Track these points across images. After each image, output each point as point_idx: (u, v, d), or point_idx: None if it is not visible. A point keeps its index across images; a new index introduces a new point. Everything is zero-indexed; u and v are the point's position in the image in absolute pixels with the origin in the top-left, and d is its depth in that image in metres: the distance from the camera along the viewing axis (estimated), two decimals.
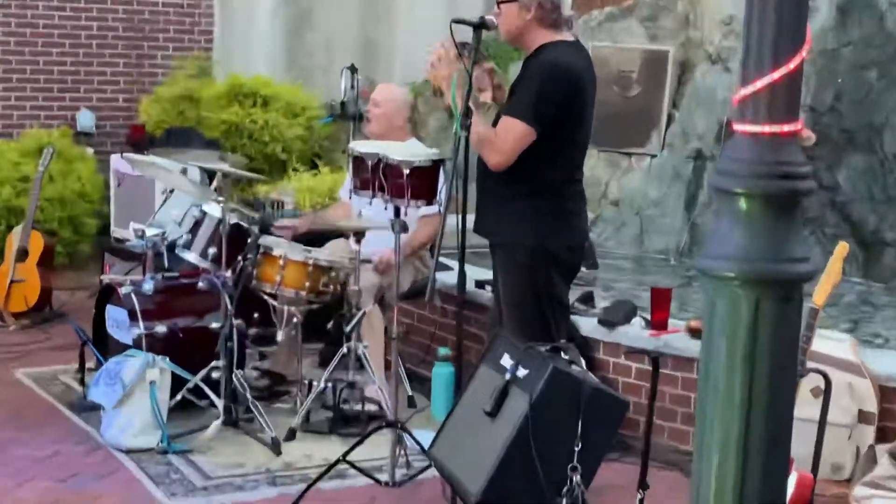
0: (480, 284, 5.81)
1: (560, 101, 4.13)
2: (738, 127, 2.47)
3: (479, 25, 4.18)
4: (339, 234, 5.73)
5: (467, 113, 4.08)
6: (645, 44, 9.00)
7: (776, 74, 2.38)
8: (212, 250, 5.29)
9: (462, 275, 4.13)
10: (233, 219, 5.34)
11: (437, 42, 4.33)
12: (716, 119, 8.19)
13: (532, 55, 4.28)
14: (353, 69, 6.72)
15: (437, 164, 4.51)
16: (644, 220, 8.40)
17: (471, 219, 4.21)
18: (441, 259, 4.11)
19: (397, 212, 4.52)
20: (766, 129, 2.37)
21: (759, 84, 2.41)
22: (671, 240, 8.22)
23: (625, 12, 9.35)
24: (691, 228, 8.09)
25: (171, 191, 5.79)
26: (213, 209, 5.35)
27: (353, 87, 6.78)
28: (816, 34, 7.54)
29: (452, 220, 4.07)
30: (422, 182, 4.43)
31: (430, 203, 4.50)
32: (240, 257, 5.26)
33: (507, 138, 4.15)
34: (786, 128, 2.40)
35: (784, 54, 2.45)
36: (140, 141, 8.41)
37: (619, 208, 8.54)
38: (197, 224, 5.37)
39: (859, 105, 7.56)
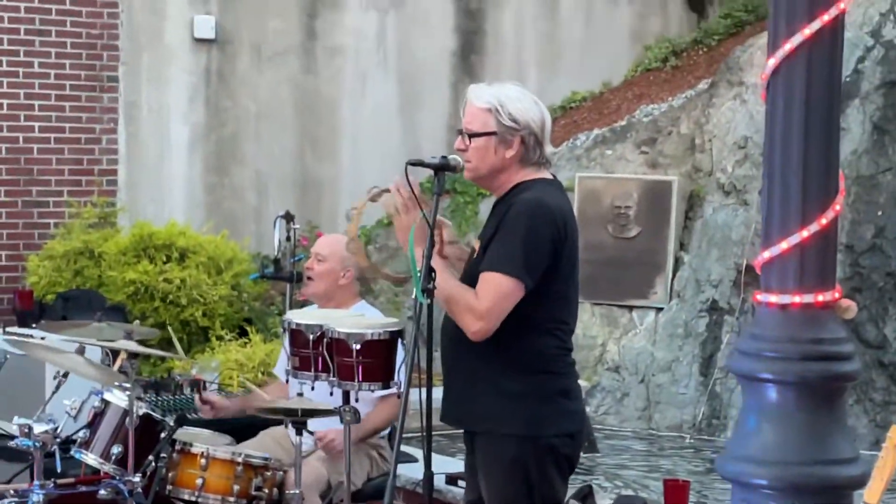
0: (452, 480, 5.74)
1: (552, 247, 4.11)
2: (762, 298, 2.48)
3: (442, 167, 4.20)
4: (271, 421, 5.66)
5: (429, 274, 4.07)
6: (644, 173, 9.14)
7: (805, 233, 2.40)
8: (116, 449, 5.19)
9: (429, 471, 4.08)
10: (142, 408, 5.27)
11: (386, 183, 4.30)
12: (733, 262, 8.27)
13: (505, 196, 4.28)
14: (288, 217, 6.75)
15: (394, 336, 4.49)
16: (651, 389, 8.39)
17: (437, 395, 4.15)
18: (403, 448, 4.05)
19: (346, 398, 4.48)
20: (797, 299, 2.38)
21: (785, 245, 2.42)
22: (686, 413, 8.19)
23: (617, 135, 9.52)
24: (710, 398, 8.08)
25: (66, 374, 5.72)
26: (118, 397, 5.28)
27: (288, 238, 6.81)
28: (849, 159, 7.69)
29: (416, 397, 4.02)
30: (375, 360, 4.41)
31: (385, 385, 4.46)
32: (151, 457, 5.18)
33: (488, 298, 4.05)
34: (820, 297, 2.41)
35: (814, 208, 2.48)
36: (27, 310, 8.36)
37: (621, 375, 8.54)
38: (97, 416, 5.29)
39: None
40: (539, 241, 4.07)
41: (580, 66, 11.10)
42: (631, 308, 8.73)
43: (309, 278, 5.77)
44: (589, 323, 8.68)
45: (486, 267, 4.10)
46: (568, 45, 11.24)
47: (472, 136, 4.21)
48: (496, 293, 4.05)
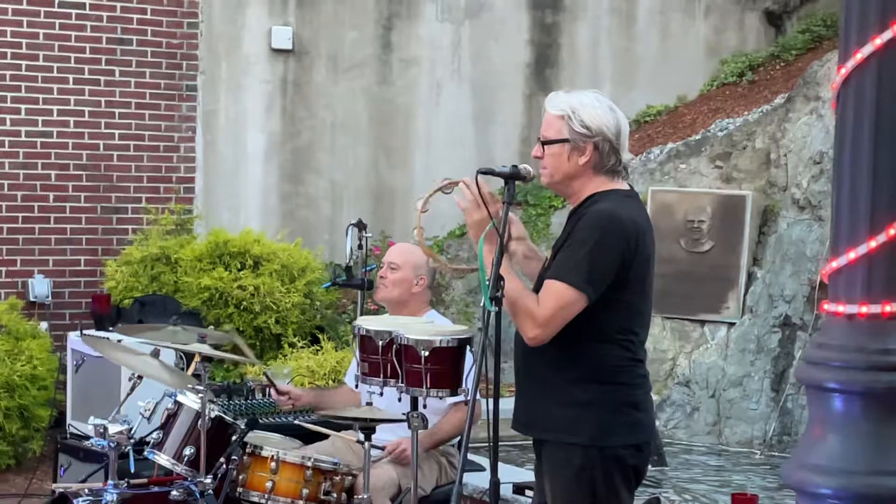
0: (520, 489, 5.75)
1: (621, 261, 4.10)
2: (829, 307, 2.48)
3: (512, 176, 4.22)
4: (342, 426, 5.71)
5: (498, 282, 4.08)
6: (717, 188, 9.09)
7: (873, 243, 2.40)
8: (188, 451, 5.27)
9: (495, 478, 4.09)
10: (214, 411, 5.34)
11: (453, 179, 4.31)
12: (807, 278, 8.21)
13: (580, 206, 4.28)
14: (360, 225, 6.78)
15: (462, 343, 4.51)
16: (722, 404, 8.34)
17: (505, 406, 4.16)
18: (470, 456, 4.05)
19: (415, 404, 4.51)
20: (864, 309, 2.37)
21: (853, 255, 2.42)
22: (756, 429, 8.14)
23: (691, 149, 9.48)
24: (781, 414, 8.02)
25: (140, 377, 5.80)
26: (191, 400, 5.35)
27: (360, 246, 6.84)
28: None
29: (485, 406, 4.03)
30: (443, 367, 4.43)
31: (453, 392, 4.48)
32: (222, 459, 5.24)
33: (549, 306, 4.05)
34: (888, 307, 2.40)
35: (882, 218, 2.47)
36: (104, 314, 8.48)
37: (691, 389, 8.50)
38: (170, 418, 5.37)
39: None
40: (606, 254, 4.05)
41: (655, 79, 11.07)
42: (703, 322, 8.69)
43: (383, 285, 5.82)
44: (660, 336, 8.65)
45: (551, 274, 4.11)
46: (643, 59, 11.22)
47: (546, 143, 4.22)
48: (557, 302, 4.05)
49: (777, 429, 8.01)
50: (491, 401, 4.02)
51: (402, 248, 6.14)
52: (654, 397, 8.05)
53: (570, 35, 10.99)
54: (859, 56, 2.58)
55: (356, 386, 5.14)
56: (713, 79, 11.15)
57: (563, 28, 10.95)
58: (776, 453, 7.91)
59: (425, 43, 10.51)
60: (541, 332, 4.07)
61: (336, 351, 8.27)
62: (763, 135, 9.16)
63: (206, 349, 5.40)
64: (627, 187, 4.31)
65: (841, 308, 2.35)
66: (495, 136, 10.67)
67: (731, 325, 8.51)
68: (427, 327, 4.76)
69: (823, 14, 11.28)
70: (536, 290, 4.23)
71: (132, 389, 5.84)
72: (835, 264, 2.37)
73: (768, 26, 11.75)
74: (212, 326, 8.27)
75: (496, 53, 10.72)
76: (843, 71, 2.62)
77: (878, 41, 2.57)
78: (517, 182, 4.26)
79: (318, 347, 8.40)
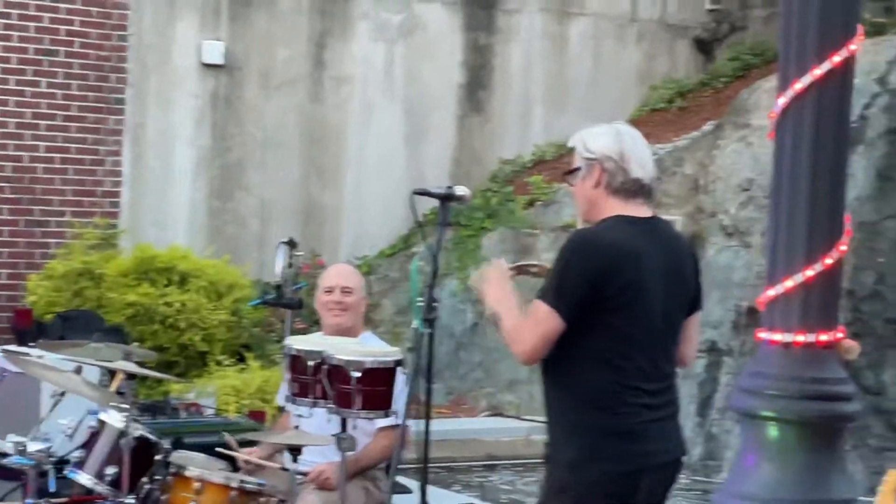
0: None
1: (591, 282, 4.11)
2: (764, 335, 2.49)
3: (447, 197, 4.23)
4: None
5: (430, 304, 4.09)
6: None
7: (810, 272, 2.41)
8: (110, 470, 5.17)
9: (424, 500, 4.07)
10: (138, 430, 5.26)
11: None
12: (733, 304, 8.27)
13: None
14: (291, 243, 6.73)
15: (393, 365, 4.49)
16: None
17: (441, 426, 4.15)
18: (398, 478, 4.04)
19: (343, 425, 4.47)
20: (799, 338, 2.38)
21: (790, 283, 2.43)
22: None
23: None
24: (707, 440, 8.07)
25: (62, 394, 5.71)
26: (114, 418, 5.27)
27: (290, 265, 6.79)
28: (852, 205, 7.70)
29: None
30: (375, 388, 4.40)
31: (385, 414, 4.45)
32: (145, 479, 5.16)
33: (528, 324, 4.09)
34: (822, 337, 2.41)
35: (819, 248, 2.48)
36: (26, 329, 8.35)
37: None
38: (93, 437, 5.27)
39: None
40: (573, 274, 4.08)
41: (587, 104, 11.13)
42: None
43: (341, 310, 5.69)
44: None
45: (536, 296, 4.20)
46: (575, 83, 11.29)
47: (566, 173, 4.31)
48: (532, 318, 4.09)
49: (703, 453, 8.05)
50: (422, 422, 4.02)
51: (349, 270, 6.02)
52: None
53: (503, 57, 11.03)
54: (798, 86, 2.60)
55: (284, 406, 5.09)
56: (644, 104, 11.24)
57: (496, 50, 10.99)
58: (701, 478, 7.95)
59: (358, 61, 10.49)
60: (523, 349, 4.09)
61: (262, 370, 8.21)
62: (692, 161, 9.24)
63: (130, 366, 5.33)
64: (647, 212, 4.26)
65: (777, 336, 2.36)
66: (427, 156, 10.68)
67: None
68: (359, 348, 4.73)
69: (752, 42, 11.43)
70: None
71: (54, 406, 5.74)
72: (771, 292, 2.38)
73: (698, 54, 11.89)
74: (136, 344, 8.18)
75: (429, 74, 10.73)
76: (783, 100, 2.63)
77: (818, 71, 2.58)
78: (452, 203, 4.28)
79: (245, 366, 8.33)
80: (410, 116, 10.67)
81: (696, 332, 4.33)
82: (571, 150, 4.32)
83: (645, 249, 4.20)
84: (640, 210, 4.25)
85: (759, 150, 8.62)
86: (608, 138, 4.28)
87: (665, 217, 9.33)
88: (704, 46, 11.84)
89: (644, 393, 4.18)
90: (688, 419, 8.21)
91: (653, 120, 10.82)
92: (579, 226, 4.45)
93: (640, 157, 4.29)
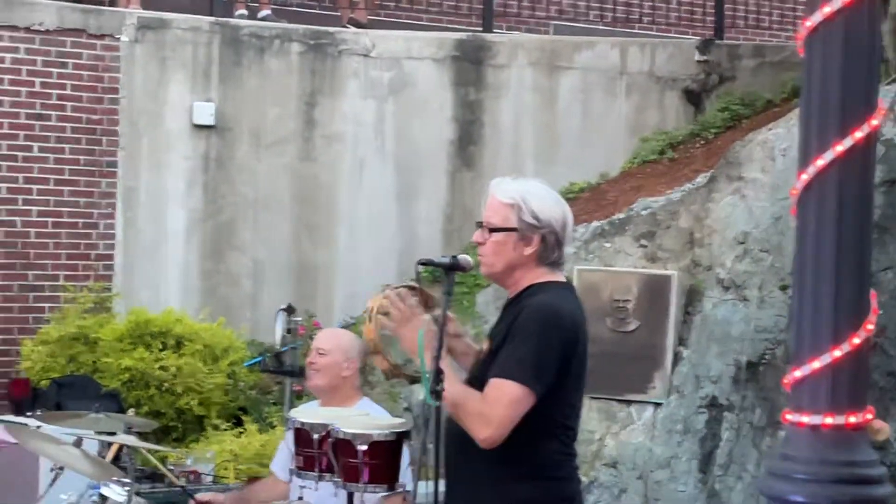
0: None
1: (563, 355, 4.06)
2: (791, 418, 2.44)
3: (452, 267, 4.17)
4: None
5: (438, 376, 4.01)
6: (642, 267, 9.10)
7: (837, 353, 2.38)
8: None
9: None
10: None
11: (379, 294, 4.26)
12: (732, 359, 8.22)
13: (518, 297, 4.23)
14: (289, 310, 6.71)
15: (400, 436, 4.43)
16: (650, 485, 8.29)
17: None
18: None
19: (350, 499, 4.41)
20: (828, 420, 2.34)
21: (817, 364, 2.39)
22: None
23: (616, 228, 9.50)
24: (709, 496, 8.00)
25: (62, 468, 5.64)
26: (116, 492, 5.20)
27: (289, 331, 6.75)
28: None
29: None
30: (382, 461, 4.35)
31: (391, 487, 4.39)
32: None
33: (500, 406, 3.97)
34: (852, 418, 2.37)
35: (846, 327, 2.44)
36: (23, 399, 8.27)
37: (618, 471, 8.45)
38: None
39: None
40: (550, 349, 4.02)
41: (577, 157, 11.10)
42: (629, 402, 8.65)
43: (313, 371, 5.70)
44: (587, 417, 8.57)
45: (496, 373, 4.04)
46: (565, 136, 11.25)
47: (492, 230, 4.16)
48: (507, 401, 3.99)
49: None
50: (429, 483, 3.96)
51: (330, 332, 6.08)
52: (583, 479, 8.00)
53: (493, 112, 11.01)
54: (820, 162, 2.56)
55: (290, 479, 5.02)
56: (634, 156, 11.22)
57: (485, 106, 10.97)
58: None
59: (348, 119, 10.46)
60: (493, 433, 4.00)
61: (260, 433, 8.13)
62: (686, 214, 9.19)
63: (132, 440, 5.27)
64: (564, 279, 4.29)
65: (805, 419, 2.30)
66: (419, 214, 10.62)
67: (658, 405, 8.48)
68: (364, 420, 4.68)
69: (742, 92, 11.43)
70: (471, 382, 4.16)
71: (54, 480, 5.67)
72: (798, 373, 2.32)
73: (688, 105, 11.87)
74: (132, 409, 8.10)
75: (419, 130, 10.70)
76: (805, 177, 2.60)
77: (840, 147, 2.55)
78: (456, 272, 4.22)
79: (242, 430, 8.25)
80: (401, 173, 10.63)
81: None
82: (516, 204, 4.10)
83: (583, 318, 4.19)
84: (561, 276, 4.24)
85: (753, 202, 8.60)
86: (556, 208, 4.14)
87: (661, 272, 9.28)
88: (694, 98, 11.83)
89: (575, 458, 4.19)
90: (690, 476, 8.15)
91: (644, 172, 10.79)
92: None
93: (571, 226, 4.27)
